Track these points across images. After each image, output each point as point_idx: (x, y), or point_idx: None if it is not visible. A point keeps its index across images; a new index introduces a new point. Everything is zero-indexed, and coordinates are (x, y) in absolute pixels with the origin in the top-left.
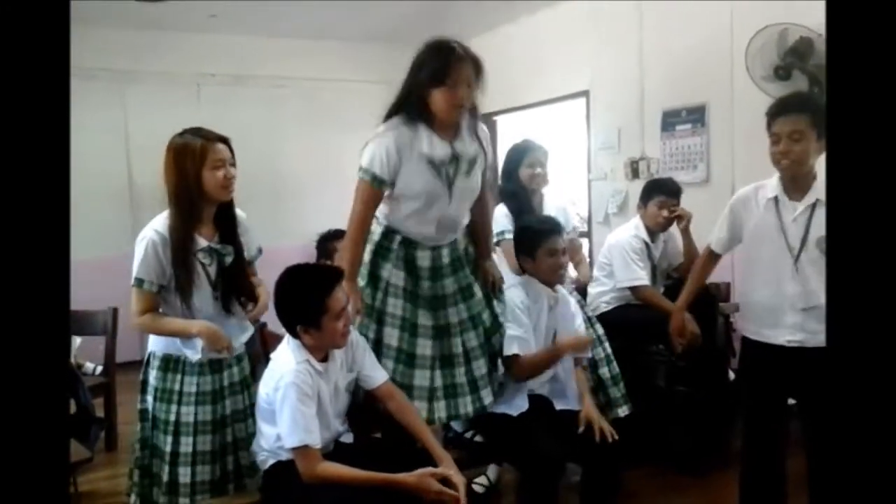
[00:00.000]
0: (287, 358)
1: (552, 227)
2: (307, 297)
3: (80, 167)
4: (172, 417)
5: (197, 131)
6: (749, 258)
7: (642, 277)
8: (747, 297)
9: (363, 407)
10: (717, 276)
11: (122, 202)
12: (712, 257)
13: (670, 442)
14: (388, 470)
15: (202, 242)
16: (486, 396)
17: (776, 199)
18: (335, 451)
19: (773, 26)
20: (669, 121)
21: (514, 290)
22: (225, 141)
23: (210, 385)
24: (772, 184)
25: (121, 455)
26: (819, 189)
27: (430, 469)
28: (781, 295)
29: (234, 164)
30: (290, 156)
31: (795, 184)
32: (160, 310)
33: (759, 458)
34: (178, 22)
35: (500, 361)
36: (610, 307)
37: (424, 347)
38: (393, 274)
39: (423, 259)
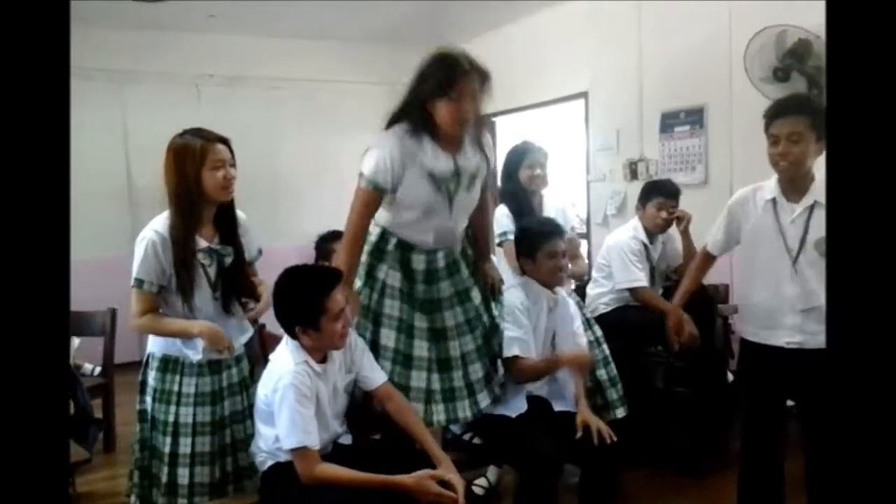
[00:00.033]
0: (285, 359)
1: (553, 230)
2: (306, 298)
3: (79, 167)
4: (171, 418)
5: (197, 132)
6: (747, 260)
7: (641, 279)
8: (746, 299)
9: (362, 408)
10: (715, 277)
11: (120, 202)
12: (707, 258)
13: (669, 443)
14: (387, 471)
15: (202, 243)
16: (483, 400)
17: (774, 200)
18: (334, 452)
19: (771, 28)
20: (668, 122)
21: (514, 290)
22: (225, 142)
23: (209, 386)
24: (770, 185)
25: (119, 456)
26: (817, 191)
27: (428, 471)
28: (780, 296)
29: (234, 165)
30: (288, 156)
31: (793, 185)
32: (160, 310)
33: (757, 460)
34: (176, 22)
35: (499, 363)
36: (608, 308)
37: (421, 349)
38: (389, 275)
39: (419, 262)
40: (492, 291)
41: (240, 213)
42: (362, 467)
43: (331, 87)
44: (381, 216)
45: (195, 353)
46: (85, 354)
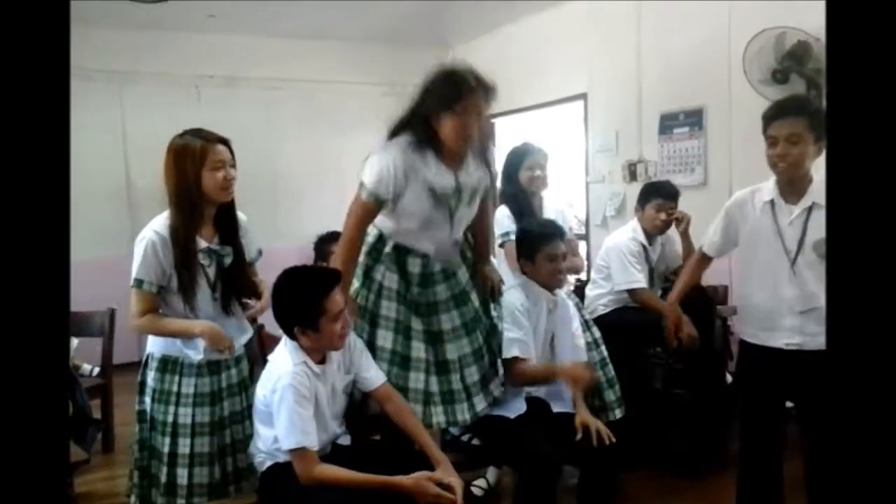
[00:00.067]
0: (284, 360)
1: (553, 232)
2: (305, 299)
3: (79, 167)
4: (170, 419)
5: (197, 132)
6: (746, 261)
7: (640, 280)
8: (745, 301)
9: (360, 409)
10: (714, 279)
11: (120, 203)
12: (704, 259)
13: (667, 445)
14: (386, 472)
15: (202, 243)
16: (479, 403)
17: (772, 202)
18: (332, 453)
19: (770, 30)
20: (667, 124)
21: (514, 291)
22: (225, 142)
23: (208, 386)
24: (768, 187)
25: (118, 456)
26: (815, 192)
27: (427, 472)
28: (779, 298)
29: (234, 166)
30: (288, 157)
31: (792, 187)
32: (160, 311)
33: (756, 462)
34: (176, 22)
35: (499, 363)
36: (607, 310)
37: (418, 350)
38: (386, 276)
39: (414, 265)
40: (492, 294)
41: (240, 215)
42: (361, 468)
43: (331, 88)
44: (381, 221)
45: (196, 353)
46: (84, 355)
